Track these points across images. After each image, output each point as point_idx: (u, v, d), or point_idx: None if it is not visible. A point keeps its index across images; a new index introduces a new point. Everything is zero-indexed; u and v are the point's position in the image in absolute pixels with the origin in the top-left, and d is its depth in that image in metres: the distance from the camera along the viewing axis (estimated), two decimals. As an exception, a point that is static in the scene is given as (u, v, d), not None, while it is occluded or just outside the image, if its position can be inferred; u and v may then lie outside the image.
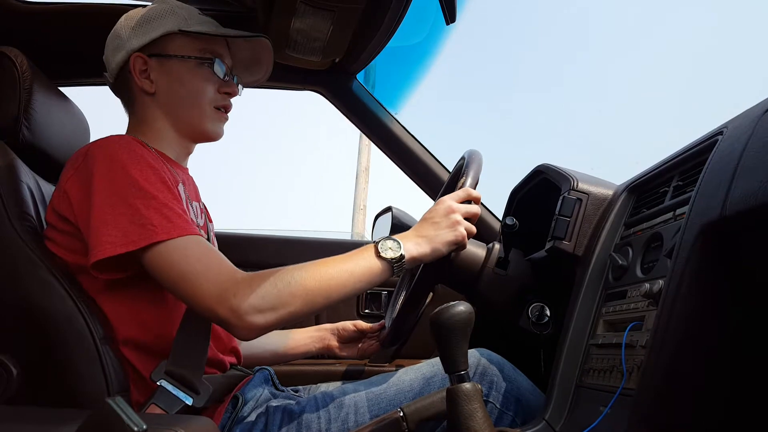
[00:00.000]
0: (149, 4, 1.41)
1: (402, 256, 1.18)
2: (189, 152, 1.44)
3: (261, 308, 1.09)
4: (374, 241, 1.20)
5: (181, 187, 1.26)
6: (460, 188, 1.30)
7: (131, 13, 1.38)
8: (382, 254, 1.18)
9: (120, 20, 1.37)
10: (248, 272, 1.13)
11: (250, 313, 1.08)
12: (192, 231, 1.14)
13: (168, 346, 1.20)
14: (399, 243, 1.19)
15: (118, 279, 1.17)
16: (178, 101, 1.36)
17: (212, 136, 1.42)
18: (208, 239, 1.39)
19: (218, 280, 1.10)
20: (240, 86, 1.46)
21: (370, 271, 1.17)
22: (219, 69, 1.38)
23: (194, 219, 1.31)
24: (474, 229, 1.26)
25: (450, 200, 1.26)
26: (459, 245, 1.25)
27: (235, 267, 1.14)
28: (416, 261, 1.22)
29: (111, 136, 1.24)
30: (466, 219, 1.25)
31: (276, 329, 1.17)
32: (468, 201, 1.27)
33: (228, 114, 1.44)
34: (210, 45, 1.38)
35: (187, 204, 1.27)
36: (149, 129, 1.36)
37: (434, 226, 1.23)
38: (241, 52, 1.50)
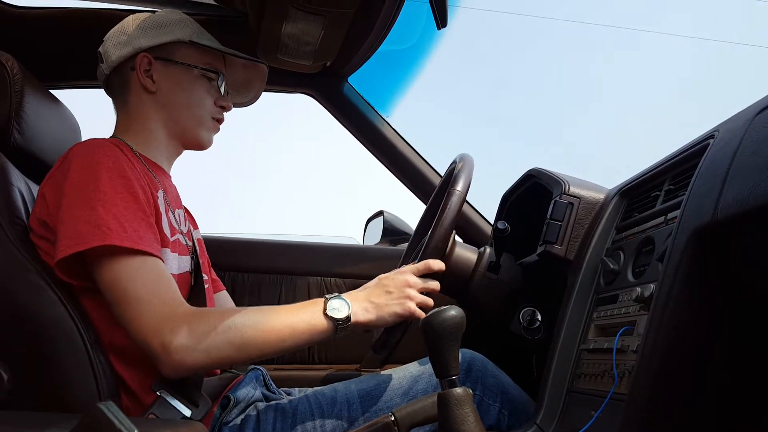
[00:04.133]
0: (140, 9, 1.43)
1: (348, 318, 1.19)
2: (176, 155, 1.44)
3: (193, 348, 1.08)
4: (325, 298, 1.20)
5: (161, 194, 1.26)
6: (425, 250, 1.30)
7: (141, 15, 1.40)
8: (329, 312, 1.18)
9: (128, 19, 1.39)
10: (194, 308, 1.13)
11: (180, 351, 1.07)
12: (146, 248, 1.12)
13: None
14: (348, 304, 1.19)
15: (94, 287, 1.15)
16: (178, 105, 1.37)
17: (202, 144, 1.44)
18: (192, 244, 1.38)
19: (159, 312, 1.08)
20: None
21: (313, 328, 1.17)
22: (221, 84, 1.42)
23: (176, 226, 1.30)
24: (430, 302, 1.26)
25: (409, 274, 1.26)
26: (407, 318, 1.25)
27: (181, 299, 1.13)
28: (361, 326, 1.22)
29: (92, 140, 1.24)
30: (424, 293, 1.26)
31: (205, 371, 1.18)
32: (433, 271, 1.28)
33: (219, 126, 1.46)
34: (213, 61, 1.42)
35: (167, 211, 1.27)
36: (140, 128, 1.36)
37: (386, 295, 1.24)
38: (236, 74, 1.53)
